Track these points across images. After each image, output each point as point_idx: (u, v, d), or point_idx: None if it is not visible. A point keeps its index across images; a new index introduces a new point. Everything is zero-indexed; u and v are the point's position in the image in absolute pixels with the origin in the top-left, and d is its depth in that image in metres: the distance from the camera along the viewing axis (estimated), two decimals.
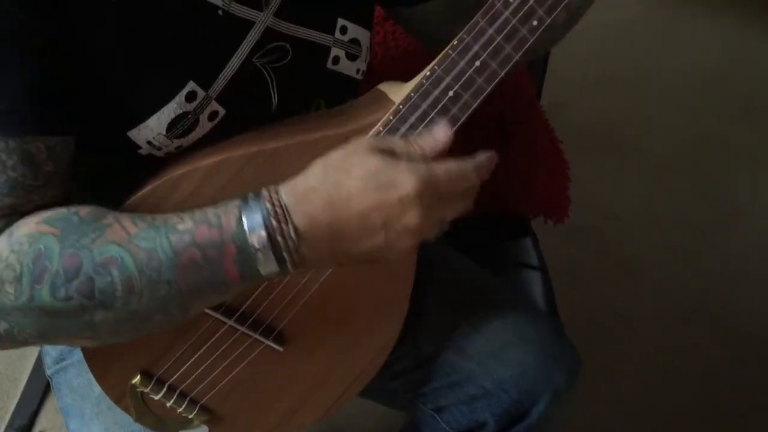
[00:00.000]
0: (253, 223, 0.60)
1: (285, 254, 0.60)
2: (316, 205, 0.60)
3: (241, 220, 0.60)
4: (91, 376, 0.85)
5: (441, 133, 0.64)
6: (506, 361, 0.88)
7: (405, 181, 0.59)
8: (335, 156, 0.62)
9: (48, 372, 0.93)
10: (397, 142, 0.64)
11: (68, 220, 0.62)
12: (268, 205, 0.60)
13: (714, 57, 2.39)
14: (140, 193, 0.68)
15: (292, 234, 0.59)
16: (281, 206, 0.60)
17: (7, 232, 0.62)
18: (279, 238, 0.59)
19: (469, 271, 0.98)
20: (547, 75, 1.53)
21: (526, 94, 1.29)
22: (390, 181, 0.60)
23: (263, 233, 0.59)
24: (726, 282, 1.79)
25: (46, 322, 0.61)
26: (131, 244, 0.60)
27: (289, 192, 0.61)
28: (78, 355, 0.89)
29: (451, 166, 0.62)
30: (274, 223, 0.59)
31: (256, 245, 0.59)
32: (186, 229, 0.60)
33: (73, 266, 0.59)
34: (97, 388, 0.84)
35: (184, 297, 0.61)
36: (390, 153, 0.62)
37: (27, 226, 0.62)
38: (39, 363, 1.50)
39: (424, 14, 0.84)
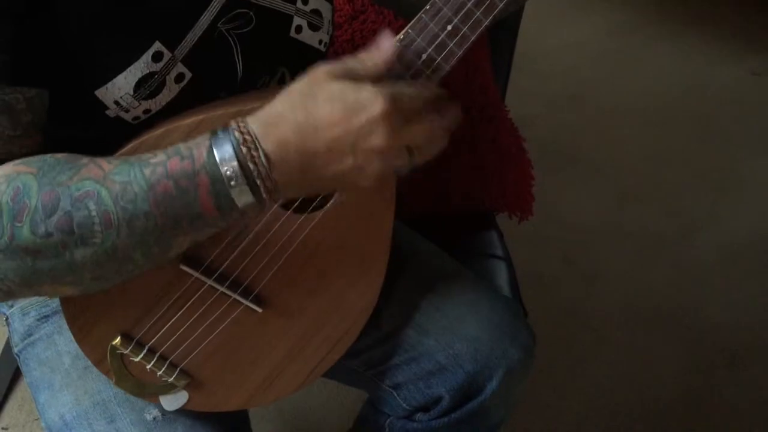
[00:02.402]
0: (223, 152, 0.60)
1: (257, 180, 0.60)
2: (285, 131, 0.61)
3: (212, 150, 0.60)
4: (60, 348, 0.87)
5: (385, 42, 0.65)
6: (463, 337, 0.90)
7: (371, 102, 0.61)
8: (299, 85, 0.63)
9: (15, 349, 0.93)
10: (349, 62, 0.64)
11: (44, 160, 0.63)
12: (237, 134, 0.60)
13: (671, 77, 2.46)
14: (122, 150, 0.69)
15: (263, 159, 0.60)
16: (250, 134, 0.60)
17: None
18: (250, 165, 0.60)
19: (433, 254, 1.00)
20: (513, 92, 1.56)
21: (491, 93, 1.33)
22: (356, 102, 0.61)
23: (234, 161, 0.60)
24: (685, 290, 1.83)
25: (29, 264, 0.61)
26: (106, 179, 0.61)
27: (256, 120, 0.62)
28: (46, 329, 0.89)
29: (412, 84, 0.64)
30: (244, 150, 0.60)
31: (229, 173, 0.60)
32: (158, 161, 0.61)
33: (51, 202, 0.60)
34: (67, 360, 0.86)
35: (162, 230, 0.62)
36: (349, 75, 0.63)
37: (4, 168, 0.62)
38: (1, 360, 1.49)
39: None
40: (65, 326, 0.86)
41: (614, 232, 1.95)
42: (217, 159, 0.60)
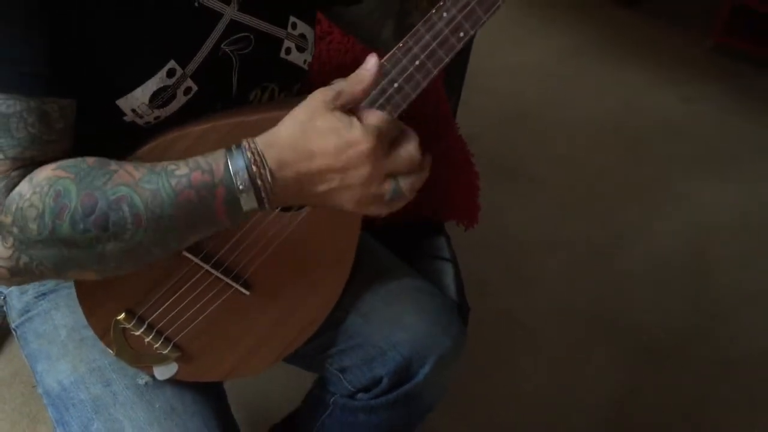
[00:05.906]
0: (237, 169, 0.72)
1: (263, 194, 0.73)
2: (286, 153, 0.73)
3: (228, 167, 0.72)
4: (56, 322, 0.96)
5: (370, 61, 0.75)
6: (401, 326, 1.01)
7: (360, 140, 0.73)
8: (301, 112, 0.75)
9: (13, 324, 1.01)
10: (340, 84, 0.75)
11: (79, 166, 0.73)
12: (249, 154, 0.72)
13: (610, 100, 2.61)
14: (140, 150, 0.80)
15: (269, 177, 0.72)
16: (259, 154, 0.72)
17: (27, 177, 0.72)
18: (258, 181, 0.72)
19: (383, 256, 1.12)
20: (463, 108, 1.66)
21: (443, 110, 1.45)
22: (348, 138, 0.73)
23: (246, 176, 0.72)
24: (616, 296, 1.96)
25: (64, 253, 0.71)
26: (138, 186, 0.71)
27: (264, 142, 0.73)
28: (43, 305, 0.98)
29: (394, 123, 0.76)
30: (254, 168, 0.72)
31: (241, 187, 0.72)
32: (183, 174, 0.72)
33: (90, 204, 0.70)
34: (63, 333, 0.95)
35: (181, 230, 0.73)
36: (342, 101, 0.74)
37: (45, 172, 0.72)
38: None
39: (357, 14, 1.00)
40: (61, 303, 0.98)
41: (552, 241, 2.08)
42: (233, 175, 0.72)
